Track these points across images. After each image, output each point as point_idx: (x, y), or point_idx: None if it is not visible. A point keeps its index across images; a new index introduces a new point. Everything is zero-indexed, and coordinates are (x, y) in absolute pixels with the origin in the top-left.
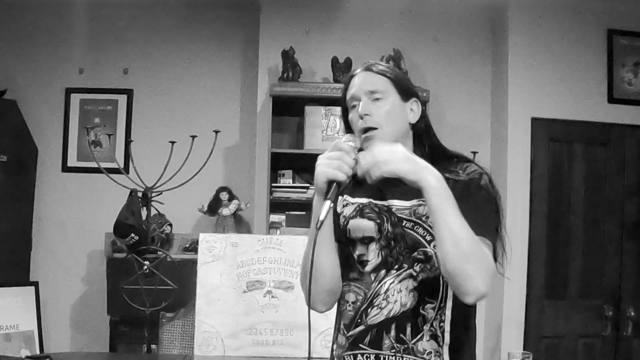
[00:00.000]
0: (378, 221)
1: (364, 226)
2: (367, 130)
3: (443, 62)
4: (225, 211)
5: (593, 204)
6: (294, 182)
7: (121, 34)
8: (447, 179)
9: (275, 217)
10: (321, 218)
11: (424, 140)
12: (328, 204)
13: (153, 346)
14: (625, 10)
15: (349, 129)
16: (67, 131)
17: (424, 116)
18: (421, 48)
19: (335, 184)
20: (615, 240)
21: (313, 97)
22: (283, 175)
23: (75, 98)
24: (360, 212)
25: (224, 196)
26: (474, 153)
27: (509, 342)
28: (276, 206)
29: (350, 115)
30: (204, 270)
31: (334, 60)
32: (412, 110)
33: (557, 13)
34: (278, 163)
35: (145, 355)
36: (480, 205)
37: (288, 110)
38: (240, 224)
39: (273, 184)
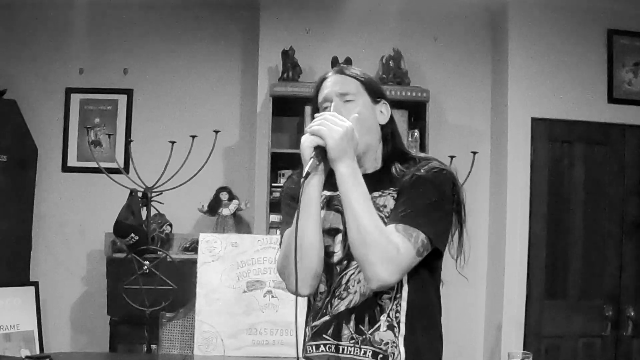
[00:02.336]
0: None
1: (331, 218)
2: None
3: (443, 62)
4: (225, 211)
5: (593, 204)
6: None
7: (121, 34)
8: (405, 174)
9: (275, 217)
10: (307, 168)
11: (390, 142)
12: (312, 160)
13: (153, 346)
14: (625, 10)
15: None
16: (67, 131)
17: (392, 119)
18: (421, 48)
19: (318, 148)
20: (615, 240)
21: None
22: (283, 175)
23: (75, 98)
24: (327, 204)
25: (224, 196)
26: (474, 153)
27: (509, 342)
28: (276, 206)
29: None
30: (204, 270)
31: (334, 60)
32: (381, 112)
33: (557, 13)
34: (278, 163)
35: (145, 355)
36: (418, 197)
37: (288, 110)
38: (240, 224)
39: (273, 184)
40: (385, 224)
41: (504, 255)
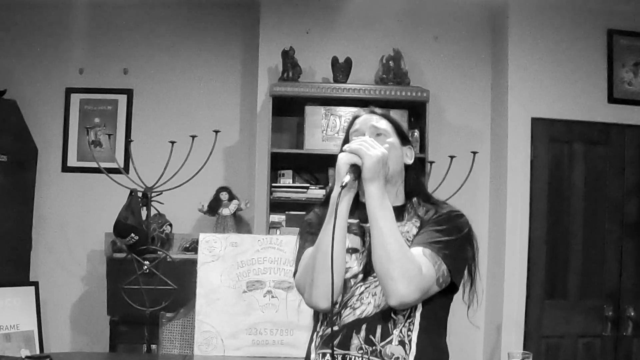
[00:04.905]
0: (364, 238)
1: (351, 239)
2: None
3: (443, 62)
4: (225, 211)
5: (593, 203)
6: (293, 182)
7: (121, 34)
8: (427, 211)
9: (275, 217)
10: (345, 180)
11: (413, 183)
12: (349, 175)
13: (153, 346)
14: (625, 10)
15: None
16: (67, 131)
17: (417, 163)
18: (421, 48)
19: (354, 166)
20: (615, 240)
21: (313, 97)
22: (283, 175)
23: (75, 98)
24: (348, 228)
25: (224, 196)
26: (474, 153)
27: (509, 342)
28: (276, 206)
29: None
30: (204, 270)
31: (334, 60)
32: (407, 155)
33: (557, 13)
34: (278, 163)
35: (145, 355)
36: (443, 233)
37: (288, 110)
38: (240, 224)
39: (273, 184)
40: (409, 246)
41: (504, 255)
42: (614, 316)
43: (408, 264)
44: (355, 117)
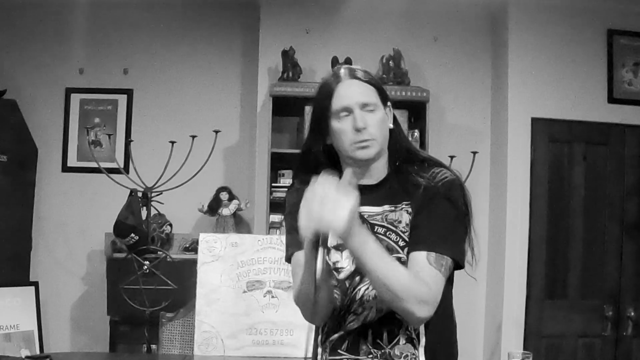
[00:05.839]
0: None
1: None
2: (363, 141)
3: (443, 62)
4: (225, 211)
5: (593, 204)
6: None
7: (121, 34)
8: (416, 185)
9: (275, 217)
10: (318, 268)
11: (398, 144)
12: (320, 253)
13: (153, 346)
14: (625, 10)
15: (317, 132)
16: (67, 131)
17: (396, 119)
18: (421, 48)
19: (321, 236)
20: (615, 240)
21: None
22: (283, 175)
23: (75, 98)
24: None
25: (224, 196)
26: (474, 153)
27: (509, 342)
28: (276, 206)
29: (337, 124)
30: (204, 270)
31: (334, 60)
32: (389, 119)
33: (557, 13)
34: (278, 163)
35: (145, 355)
36: (440, 217)
37: (288, 110)
38: (240, 224)
39: (273, 184)
40: (406, 242)
41: (504, 255)
42: (614, 316)
43: (416, 290)
44: (335, 83)
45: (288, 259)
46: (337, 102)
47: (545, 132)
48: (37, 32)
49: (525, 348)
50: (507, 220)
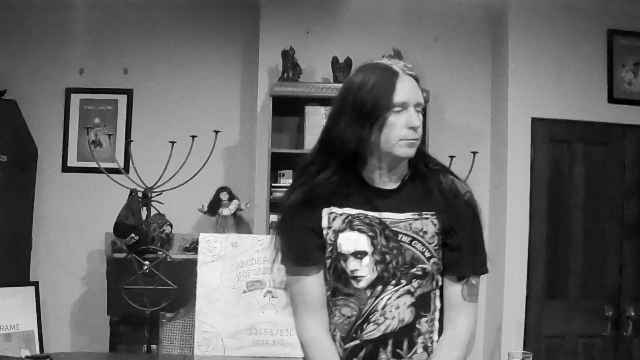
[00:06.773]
0: (370, 234)
1: (354, 239)
2: (413, 140)
3: (443, 62)
4: (225, 211)
5: (593, 204)
6: None
7: (121, 34)
8: (439, 193)
9: (275, 217)
10: None
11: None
12: None
13: (153, 346)
14: (625, 10)
15: (359, 122)
16: (67, 131)
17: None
18: (421, 48)
19: None
20: (615, 240)
21: (313, 97)
22: (283, 175)
23: (75, 98)
24: (350, 224)
25: (224, 196)
26: (474, 153)
27: (509, 342)
28: (276, 206)
29: (391, 118)
30: (204, 270)
31: (334, 60)
32: None
33: (557, 13)
34: (278, 163)
35: (145, 355)
36: (478, 239)
37: (288, 110)
38: (240, 224)
39: (273, 184)
40: (431, 253)
41: (504, 255)
42: (614, 316)
43: (467, 346)
44: (394, 77)
45: (283, 265)
46: (397, 97)
47: (546, 132)
48: (37, 32)
49: (525, 348)
50: (507, 220)
